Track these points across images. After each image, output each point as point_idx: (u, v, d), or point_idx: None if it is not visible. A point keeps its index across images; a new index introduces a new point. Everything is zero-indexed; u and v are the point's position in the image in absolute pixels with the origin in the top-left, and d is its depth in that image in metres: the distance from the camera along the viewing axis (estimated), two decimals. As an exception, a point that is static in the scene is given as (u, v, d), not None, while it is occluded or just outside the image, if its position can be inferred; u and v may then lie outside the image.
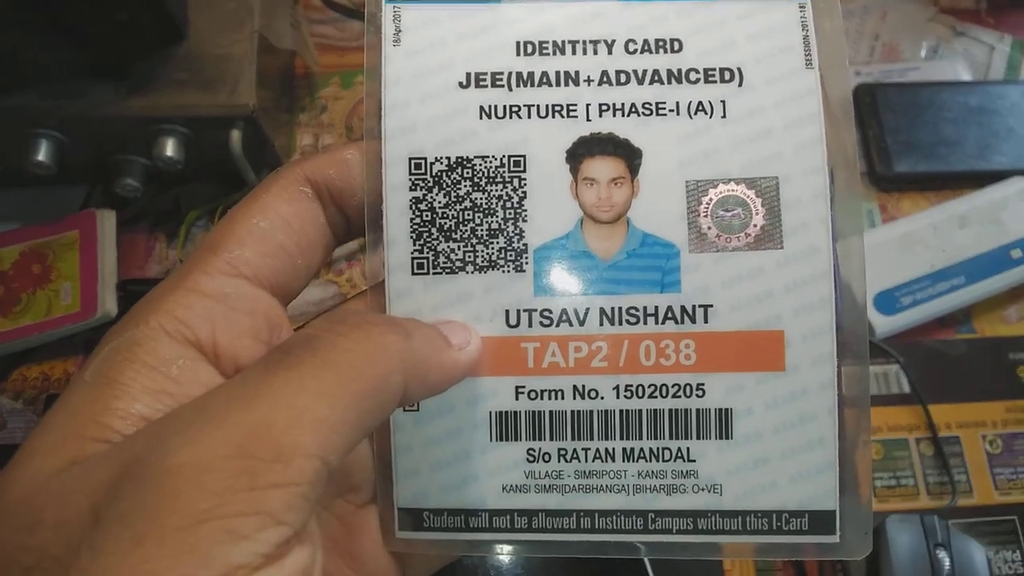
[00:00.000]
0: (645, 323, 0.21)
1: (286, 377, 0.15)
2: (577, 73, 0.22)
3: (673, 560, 0.22)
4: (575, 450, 0.21)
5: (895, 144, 0.48)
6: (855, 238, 0.21)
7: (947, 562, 0.36)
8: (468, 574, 0.34)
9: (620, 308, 0.21)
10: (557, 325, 0.21)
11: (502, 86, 0.22)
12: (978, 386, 0.43)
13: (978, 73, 0.52)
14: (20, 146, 0.38)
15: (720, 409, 0.21)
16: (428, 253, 0.21)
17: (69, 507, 0.14)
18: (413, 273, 0.21)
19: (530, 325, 0.21)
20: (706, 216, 0.21)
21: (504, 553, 0.22)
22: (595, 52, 0.22)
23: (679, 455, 0.21)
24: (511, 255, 0.21)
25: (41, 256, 0.42)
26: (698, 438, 0.21)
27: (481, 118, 0.21)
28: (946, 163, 0.48)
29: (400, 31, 0.22)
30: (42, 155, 0.38)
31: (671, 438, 0.21)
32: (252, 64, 0.39)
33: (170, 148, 0.39)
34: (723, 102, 0.21)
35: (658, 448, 0.21)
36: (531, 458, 0.21)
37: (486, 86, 0.22)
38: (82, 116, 0.38)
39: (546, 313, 0.21)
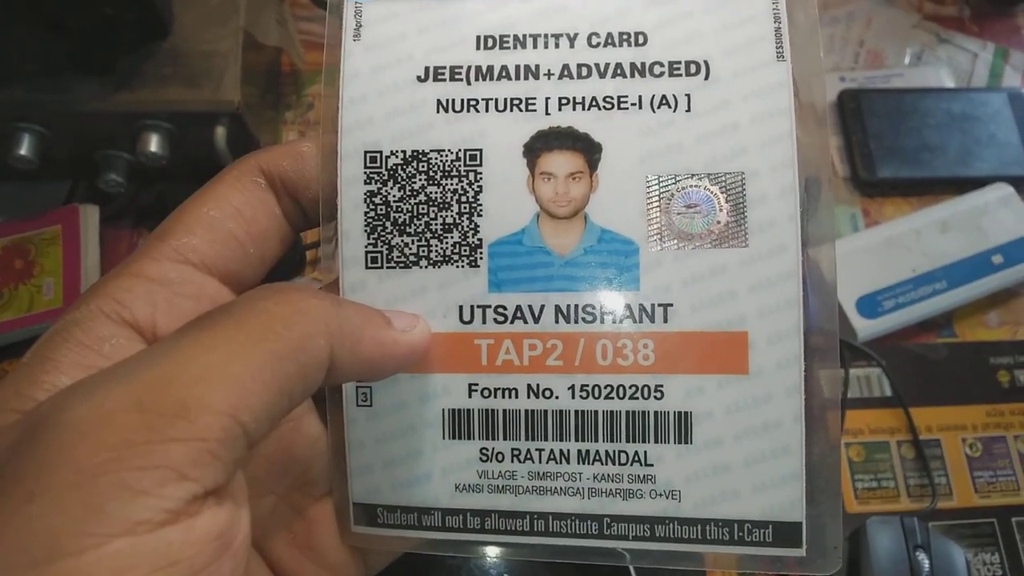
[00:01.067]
0: (602, 322, 0.18)
1: (196, 337, 0.14)
2: (537, 67, 0.19)
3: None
4: (529, 450, 0.18)
5: (879, 149, 0.46)
6: (827, 243, 0.19)
7: (927, 564, 0.34)
8: (451, 574, 0.31)
9: (576, 306, 0.18)
10: (511, 322, 0.18)
11: (461, 80, 0.19)
12: (959, 390, 0.41)
13: (961, 80, 0.50)
14: (2, 140, 0.36)
15: (679, 412, 0.18)
16: (382, 247, 0.18)
17: None
18: (367, 267, 0.19)
19: (484, 322, 0.18)
20: (667, 212, 0.18)
21: (458, 553, 0.18)
22: (556, 46, 0.19)
23: (636, 459, 0.18)
24: (465, 250, 0.18)
25: (23, 251, 0.39)
26: (656, 442, 0.18)
27: (439, 112, 0.19)
28: (929, 169, 0.46)
29: (361, 26, 0.19)
30: (24, 149, 0.36)
31: (628, 441, 0.18)
32: (237, 60, 0.36)
33: (154, 144, 0.36)
34: (688, 96, 0.18)
35: (614, 451, 0.18)
36: (484, 457, 0.18)
37: (444, 80, 0.19)
38: (66, 111, 0.36)
39: (500, 309, 0.18)
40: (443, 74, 0.20)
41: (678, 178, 0.19)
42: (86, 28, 0.33)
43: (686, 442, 0.18)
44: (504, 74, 0.20)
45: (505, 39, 0.20)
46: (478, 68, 0.20)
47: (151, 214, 0.44)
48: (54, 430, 0.13)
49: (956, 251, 0.42)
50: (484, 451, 0.19)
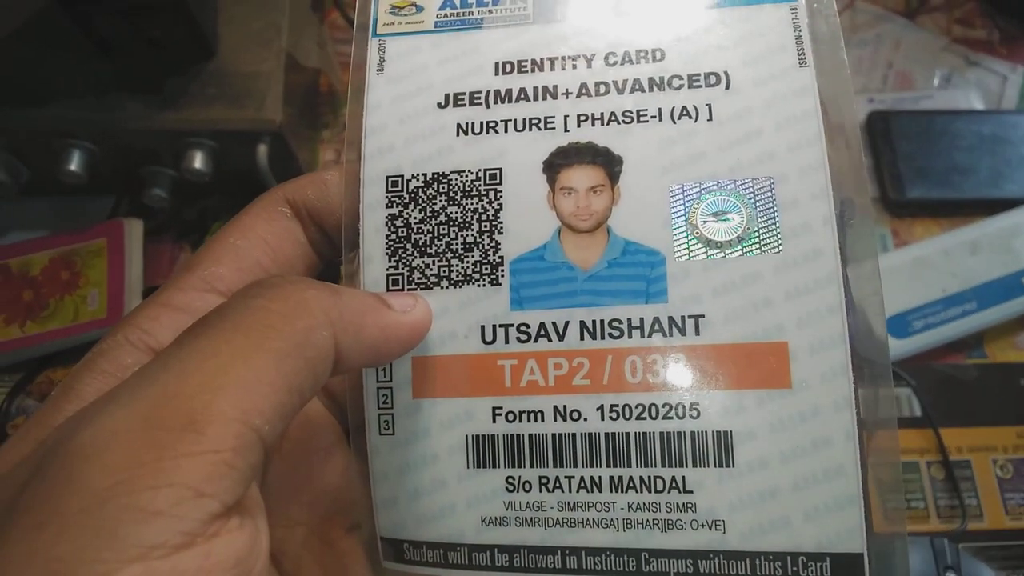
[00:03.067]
0: (630, 336, 0.17)
1: (194, 345, 0.13)
2: (555, 87, 0.19)
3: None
4: (558, 478, 0.17)
5: (908, 170, 0.45)
6: (869, 260, 0.18)
7: None
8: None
9: (602, 321, 0.17)
10: (535, 340, 0.17)
11: (480, 104, 0.19)
12: (989, 411, 0.39)
13: (991, 102, 0.48)
14: (54, 156, 0.38)
15: (718, 432, 0.16)
16: (403, 269, 0.18)
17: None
18: (388, 289, 0.18)
19: (507, 341, 0.18)
20: (693, 221, 0.17)
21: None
22: (574, 67, 0.19)
23: (674, 485, 0.17)
24: (486, 268, 0.18)
25: (70, 263, 0.41)
26: (695, 465, 0.16)
27: (458, 135, 0.19)
28: (958, 190, 0.45)
29: (384, 60, 0.20)
30: (74, 165, 0.37)
31: (664, 465, 0.17)
32: (279, 81, 0.38)
33: (198, 161, 0.37)
34: (708, 105, 0.18)
35: (650, 477, 0.17)
36: (510, 487, 0.17)
37: (464, 105, 0.19)
38: (114, 128, 0.37)
39: (523, 328, 0.17)
40: (463, 99, 0.20)
41: (703, 186, 0.18)
42: (134, 50, 0.35)
43: (728, 465, 0.17)
44: (523, 96, 0.20)
45: (523, 64, 0.20)
46: (496, 92, 0.20)
47: (193, 229, 0.45)
48: (62, 457, 0.12)
49: (986, 272, 0.41)
50: (510, 480, 0.18)
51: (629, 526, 0.17)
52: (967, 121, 0.46)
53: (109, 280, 0.40)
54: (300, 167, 0.42)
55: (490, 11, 0.21)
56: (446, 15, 0.21)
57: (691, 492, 0.17)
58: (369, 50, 0.21)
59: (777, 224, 0.18)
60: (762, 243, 0.18)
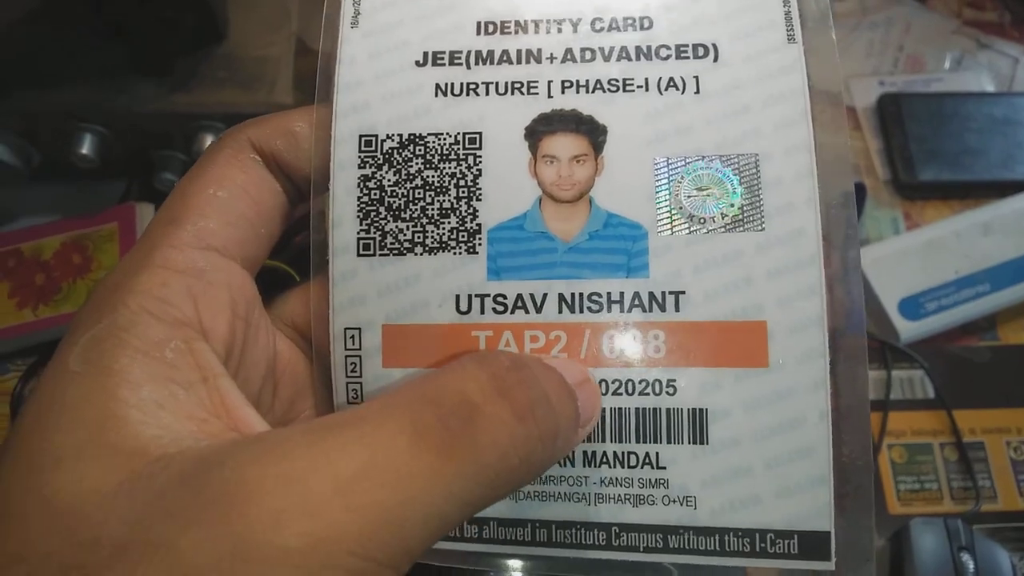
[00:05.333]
0: (609, 310, 0.17)
1: (432, 464, 0.13)
2: (539, 51, 0.18)
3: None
4: (530, 453, 0.17)
5: (919, 153, 0.46)
6: (852, 240, 0.18)
7: (971, 565, 0.32)
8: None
9: (581, 294, 0.17)
10: (512, 312, 0.17)
11: (460, 64, 0.18)
12: (1003, 393, 0.40)
13: (1002, 85, 0.50)
14: (65, 139, 0.38)
15: (693, 409, 0.16)
16: (375, 233, 0.18)
17: (135, 531, 0.12)
18: (359, 254, 0.18)
19: (482, 311, 0.17)
20: (677, 195, 0.17)
21: (453, 564, 0.17)
22: (559, 31, 0.18)
23: (647, 461, 0.16)
24: (463, 235, 0.17)
25: (81, 247, 0.41)
26: (669, 442, 0.16)
27: (437, 96, 0.18)
28: (970, 172, 0.45)
29: (359, 13, 0.19)
30: (86, 148, 0.38)
31: (638, 441, 0.17)
32: (290, 65, 0.38)
33: (209, 144, 0.37)
34: (696, 78, 0.18)
35: (623, 452, 0.17)
36: None
37: (444, 64, 0.18)
38: (125, 111, 0.37)
39: (500, 299, 0.17)
40: (442, 59, 0.19)
41: (688, 160, 0.18)
42: (145, 31, 0.35)
43: (702, 442, 0.17)
44: (505, 58, 0.19)
45: (506, 24, 0.19)
46: (478, 52, 0.19)
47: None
48: (271, 554, 0.12)
49: (999, 254, 0.41)
50: (481, 453, 0.18)
51: (600, 500, 0.17)
52: (978, 103, 0.47)
53: None
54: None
55: (473, -34, 0.20)
56: None
57: (664, 468, 0.17)
58: (343, 1, 0.20)
59: (761, 202, 0.18)
60: (745, 220, 0.18)
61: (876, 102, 0.48)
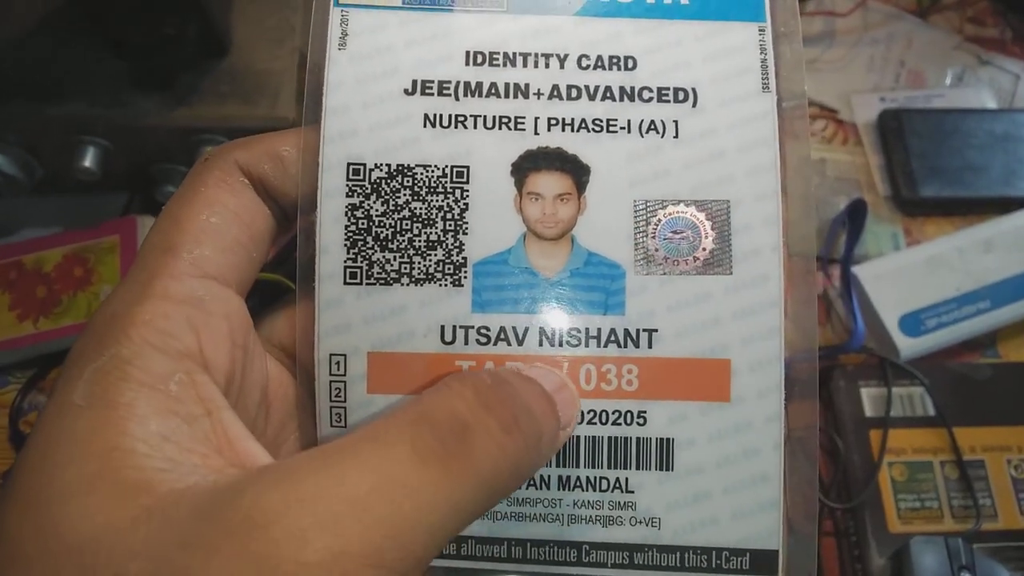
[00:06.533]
0: (587, 345, 0.18)
1: (434, 479, 0.14)
2: (527, 85, 0.19)
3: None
4: (508, 477, 0.18)
5: (920, 169, 0.47)
6: (807, 257, 0.19)
7: None
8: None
9: (561, 329, 0.18)
10: (495, 344, 0.18)
11: (449, 95, 0.19)
12: (1004, 410, 0.40)
13: (1003, 101, 0.50)
14: (67, 153, 0.38)
15: (661, 439, 0.18)
16: (362, 263, 0.18)
17: (159, 565, 0.13)
18: (345, 283, 0.18)
19: (466, 343, 0.18)
20: (654, 237, 0.18)
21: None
22: (547, 66, 0.19)
23: (617, 485, 0.18)
24: (449, 268, 0.18)
25: (83, 260, 0.41)
26: (638, 468, 0.18)
27: (425, 126, 0.18)
28: (971, 188, 0.46)
29: (346, 35, 0.19)
30: (88, 162, 0.38)
31: (610, 467, 0.18)
32: (292, 79, 0.39)
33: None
34: (676, 122, 0.19)
35: (595, 477, 0.18)
36: None
37: (432, 94, 0.19)
38: (127, 125, 0.38)
39: (483, 331, 0.18)
40: (431, 88, 0.19)
41: (665, 203, 0.19)
42: (148, 46, 0.36)
43: (668, 469, 0.19)
44: (493, 91, 0.20)
45: (495, 56, 0.20)
46: (467, 84, 0.20)
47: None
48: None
49: (1000, 270, 0.42)
50: (462, 476, 0.19)
51: (573, 521, 0.19)
52: (979, 120, 0.47)
53: (122, 277, 0.40)
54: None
55: (462, -8, 0.20)
56: None
57: (632, 492, 0.19)
58: (331, 20, 0.20)
59: (730, 247, 0.19)
60: (715, 264, 0.19)
61: (877, 118, 0.48)
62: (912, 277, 0.42)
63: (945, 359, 0.42)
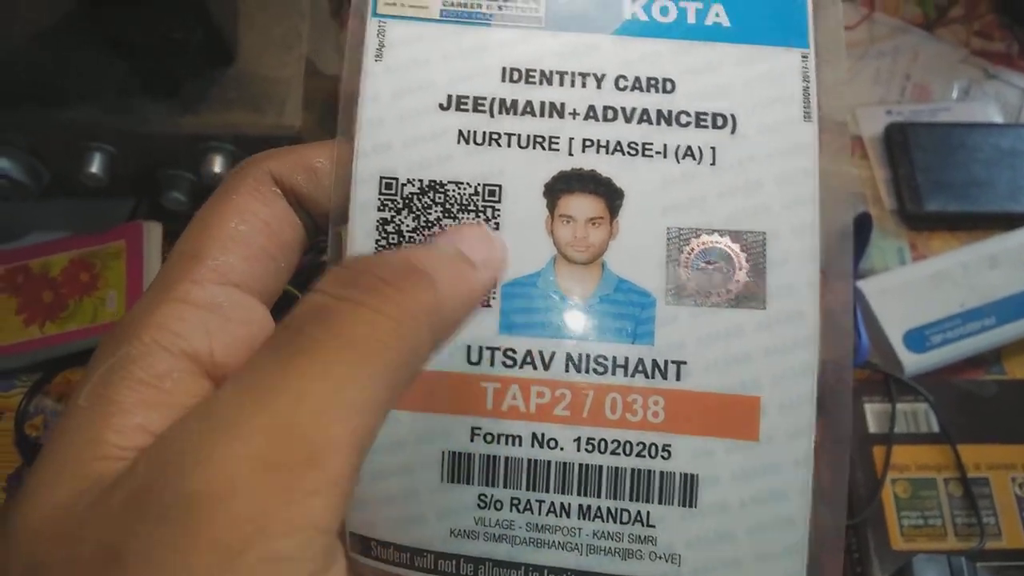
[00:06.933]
0: (613, 374, 0.18)
1: (301, 364, 0.13)
2: (563, 105, 0.19)
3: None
4: (529, 501, 0.18)
5: (926, 183, 0.46)
6: (843, 279, 0.19)
7: None
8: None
9: (588, 355, 0.18)
10: (520, 367, 0.18)
11: (484, 111, 0.18)
12: (1009, 428, 0.40)
13: (1010, 115, 0.50)
14: (74, 158, 0.39)
15: (685, 474, 0.18)
16: (390, 280, 0.18)
17: (81, 544, 0.12)
18: None
19: (492, 364, 0.18)
20: (686, 267, 0.18)
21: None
22: (583, 85, 0.19)
23: (638, 518, 0.18)
24: (478, 289, 0.18)
25: (89, 265, 0.42)
26: (660, 502, 0.18)
27: (459, 142, 0.18)
28: (977, 203, 0.46)
29: (383, 46, 0.19)
30: (95, 167, 0.38)
31: (631, 499, 0.18)
32: (299, 87, 0.39)
33: (218, 165, 0.39)
34: (713, 149, 0.18)
35: (617, 508, 0.18)
36: (482, 504, 0.18)
37: (467, 110, 0.18)
38: (134, 131, 0.38)
39: (510, 353, 0.18)
40: (466, 104, 0.19)
41: (699, 232, 0.19)
42: (156, 53, 0.36)
43: (690, 505, 0.18)
44: (528, 109, 0.19)
45: (531, 73, 0.20)
46: (502, 101, 0.19)
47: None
48: (183, 507, 0.12)
49: (1005, 287, 0.41)
50: (483, 497, 0.19)
51: (592, 551, 0.18)
52: (985, 134, 0.47)
53: (128, 282, 0.41)
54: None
55: (500, 7, 0.20)
56: (453, 3, 0.20)
57: (653, 527, 0.18)
58: (367, 30, 0.20)
59: (765, 281, 0.19)
60: (749, 298, 0.19)
61: (883, 131, 0.48)
62: (917, 293, 0.41)
63: (950, 375, 0.42)
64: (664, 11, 0.20)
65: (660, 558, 0.18)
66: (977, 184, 0.46)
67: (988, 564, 0.36)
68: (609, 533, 0.19)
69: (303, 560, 0.12)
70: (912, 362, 0.40)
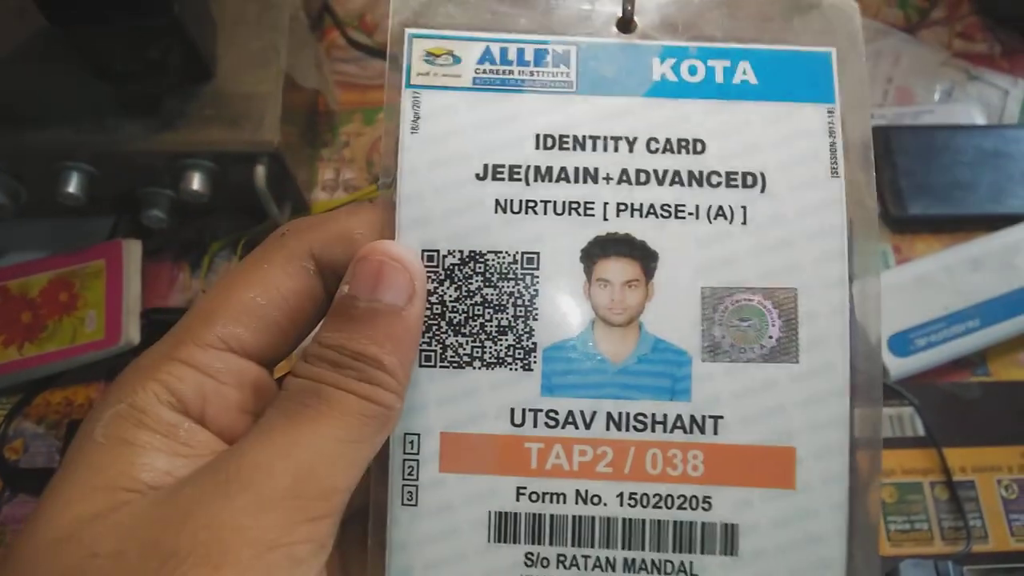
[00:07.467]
0: (653, 431, 0.19)
1: (313, 428, 0.17)
2: (596, 170, 0.19)
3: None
4: (575, 557, 0.19)
5: (909, 186, 0.46)
6: (872, 278, 0.20)
7: None
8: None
9: (628, 413, 0.19)
10: (563, 427, 0.19)
11: (520, 180, 0.19)
12: (994, 430, 0.40)
13: (992, 117, 0.50)
14: (52, 178, 0.38)
15: (726, 524, 0.18)
16: (436, 346, 0.19)
17: (126, 540, 0.16)
18: (420, 365, 0.19)
19: (535, 425, 0.19)
20: (721, 325, 0.19)
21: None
22: (616, 149, 0.19)
23: (682, 569, 0.19)
24: (520, 353, 0.19)
25: (68, 284, 0.41)
26: (702, 552, 0.18)
27: (496, 212, 0.19)
28: (960, 206, 0.46)
29: (419, 118, 0.19)
30: (73, 187, 0.38)
31: (674, 551, 0.19)
32: (277, 102, 0.39)
33: (196, 182, 0.38)
34: (744, 208, 0.19)
35: (661, 561, 0.19)
36: (529, 562, 0.19)
37: (503, 179, 0.19)
38: (112, 150, 0.38)
39: (552, 414, 0.19)
40: (502, 173, 0.20)
41: (732, 291, 0.20)
42: (133, 71, 0.36)
43: (732, 554, 0.19)
44: (563, 176, 0.20)
45: (565, 139, 0.20)
46: (537, 168, 0.20)
47: (192, 248, 0.45)
48: (231, 514, 0.16)
49: (989, 289, 0.41)
50: (529, 556, 0.20)
51: (638, 603, 0.19)
52: (968, 136, 0.47)
53: (107, 302, 0.40)
54: (298, 187, 0.42)
55: (532, 73, 0.21)
56: (485, 71, 0.20)
57: (697, 576, 0.19)
58: (403, 103, 0.20)
59: (796, 335, 0.19)
60: (781, 352, 0.19)
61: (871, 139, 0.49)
62: (900, 296, 0.42)
63: (935, 378, 0.41)
64: (692, 71, 0.21)
65: (704, 607, 0.19)
66: (960, 186, 0.46)
67: (975, 567, 0.36)
68: (654, 584, 0.19)
69: (311, 565, 0.17)
70: (897, 366, 0.40)
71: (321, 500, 0.17)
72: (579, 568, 0.20)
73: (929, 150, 0.47)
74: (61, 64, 0.37)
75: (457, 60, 0.21)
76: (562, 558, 0.20)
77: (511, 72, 0.21)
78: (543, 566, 0.20)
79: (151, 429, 0.17)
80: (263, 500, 0.16)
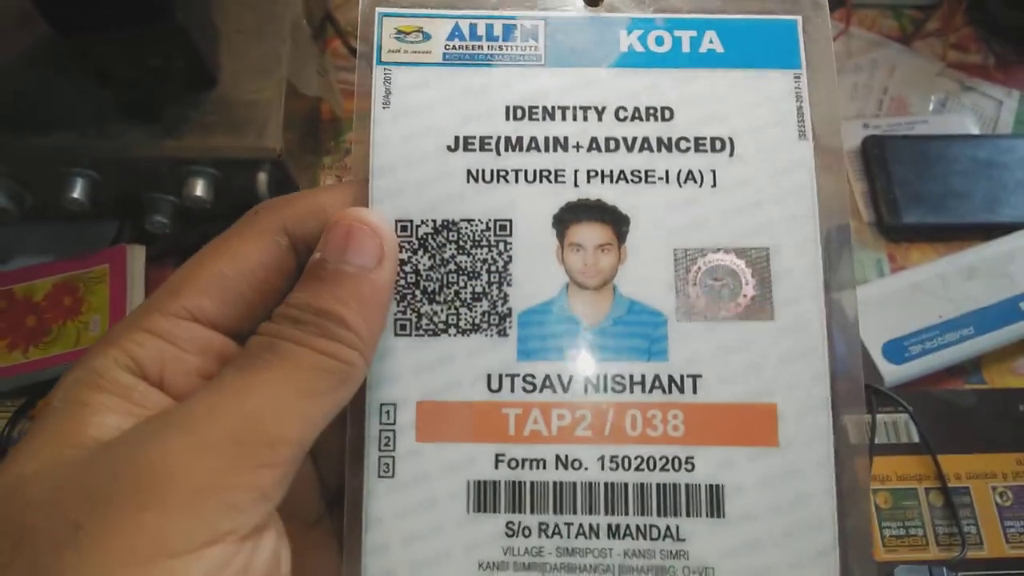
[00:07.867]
0: (631, 391, 0.18)
1: (264, 378, 0.17)
2: (566, 139, 0.20)
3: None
4: (557, 524, 0.18)
5: (904, 195, 0.47)
6: (848, 290, 0.20)
7: None
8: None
9: (605, 375, 0.18)
10: (540, 391, 0.18)
11: (490, 150, 0.19)
12: (988, 437, 0.40)
13: (986, 127, 0.51)
14: (56, 184, 0.39)
15: (711, 485, 0.18)
16: (411, 315, 0.19)
17: (61, 489, 0.15)
18: (396, 334, 0.19)
19: (512, 390, 0.18)
20: (695, 285, 0.19)
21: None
22: (585, 118, 0.20)
23: (668, 533, 0.18)
24: (495, 319, 0.19)
25: (72, 289, 0.42)
26: (688, 515, 0.18)
27: (468, 182, 0.19)
28: (955, 215, 0.46)
29: (390, 93, 0.20)
30: (77, 193, 0.39)
31: (659, 515, 0.18)
32: (280, 109, 0.39)
33: (199, 188, 0.39)
34: (713, 171, 0.19)
35: (645, 525, 0.18)
36: (510, 532, 0.18)
37: (474, 150, 0.19)
38: (116, 156, 0.38)
39: (529, 378, 0.18)
40: (473, 144, 0.20)
41: (705, 251, 0.20)
42: (136, 78, 0.36)
43: (719, 516, 0.19)
44: (533, 145, 0.20)
45: (534, 110, 0.21)
46: (507, 139, 0.20)
47: (194, 253, 0.45)
48: (165, 455, 0.15)
49: (983, 297, 0.42)
50: (510, 525, 0.19)
51: (624, 571, 0.19)
52: (963, 146, 0.48)
53: (111, 306, 0.41)
54: (301, 193, 0.43)
55: (501, 47, 0.21)
56: (455, 47, 0.21)
57: (684, 540, 0.19)
58: (374, 79, 0.21)
59: (771, 293, 0.19)
60: (757, 310, 0.19)
61: (860, 144, 0.49)
62: (895, 304, 0.42)
63: (929, 385, 0.42)
64: (659, 41, 0.21)
65: (694, 572, 0.19)
66: (955, 196, 0.47)
67: (969, 574, 0.36)
68: (640, 551, 0.19)
69: (250, 513, 0.16)
70: (891, 373, 0.41)
71: (266, 448, 0.16)
72: (562, 536, 0.19)
73: (924, 160, 0.48)
74: (65, 71, 0.37)
75: (427, 37, 0.21)
76: (544, 526, 0.19)
77: (480, 47, 0.21)
78: (525, 535, 0.19)
79: (106, 391, 0.17)
80: (201, 444, 0.16)
